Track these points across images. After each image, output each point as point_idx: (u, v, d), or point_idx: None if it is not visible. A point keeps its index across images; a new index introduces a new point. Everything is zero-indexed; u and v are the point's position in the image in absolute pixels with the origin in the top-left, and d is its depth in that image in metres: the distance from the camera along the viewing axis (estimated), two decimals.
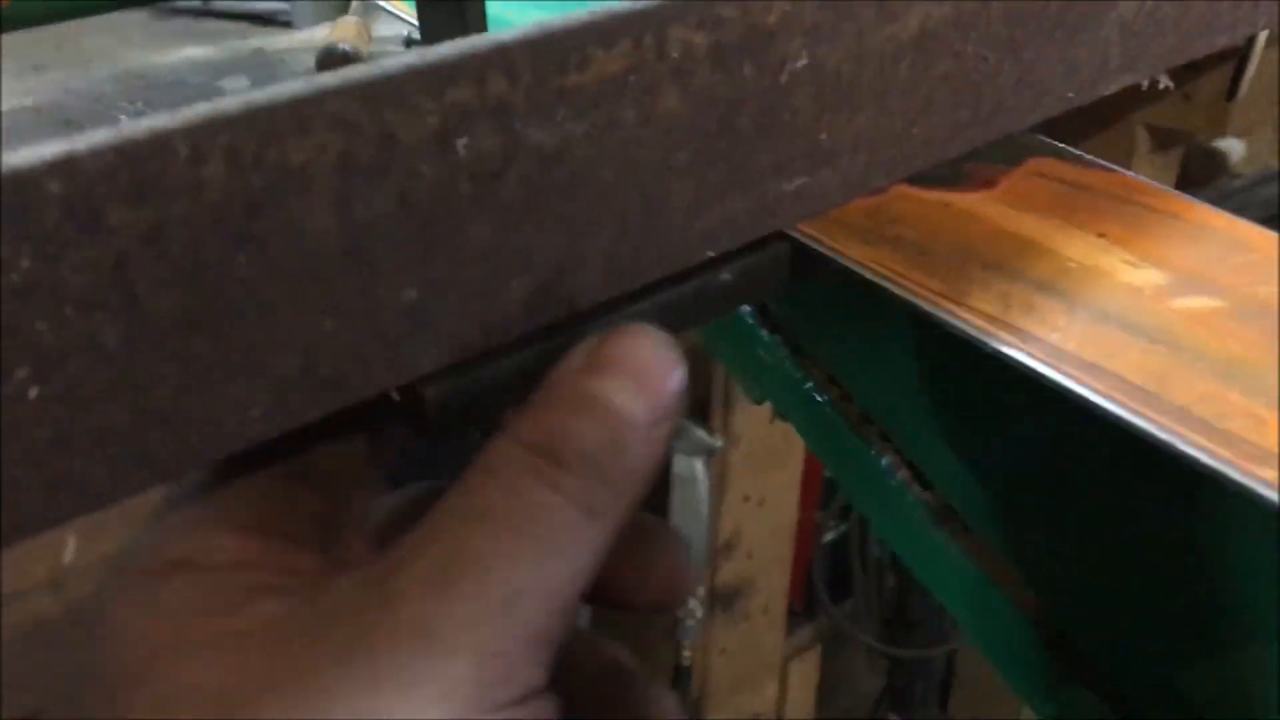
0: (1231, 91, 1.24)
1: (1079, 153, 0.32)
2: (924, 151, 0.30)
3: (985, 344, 0.25)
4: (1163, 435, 0.23)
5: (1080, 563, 0.37)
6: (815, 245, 0.28)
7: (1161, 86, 0.36)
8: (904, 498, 0.41)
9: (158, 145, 0.18)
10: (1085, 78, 0.33)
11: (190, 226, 0.19)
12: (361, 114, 0.20)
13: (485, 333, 0.23)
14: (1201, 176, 1.77)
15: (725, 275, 0.27)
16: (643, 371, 0.24)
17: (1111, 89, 0.34)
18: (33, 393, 0.18)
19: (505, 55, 0.21)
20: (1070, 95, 0.33)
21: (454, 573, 0.22)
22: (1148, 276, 0.27)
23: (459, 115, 0.21)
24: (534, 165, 0.22)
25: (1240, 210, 1.12)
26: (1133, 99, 1.29)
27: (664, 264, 0.26)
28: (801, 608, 1.22)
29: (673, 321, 0.27)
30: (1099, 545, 0.35)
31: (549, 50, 0.22)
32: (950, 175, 0.31)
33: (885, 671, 1.32)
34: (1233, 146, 1.67)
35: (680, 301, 0.27)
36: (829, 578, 1.18)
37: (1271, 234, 0.29)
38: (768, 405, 0.49)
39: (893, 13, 0.27)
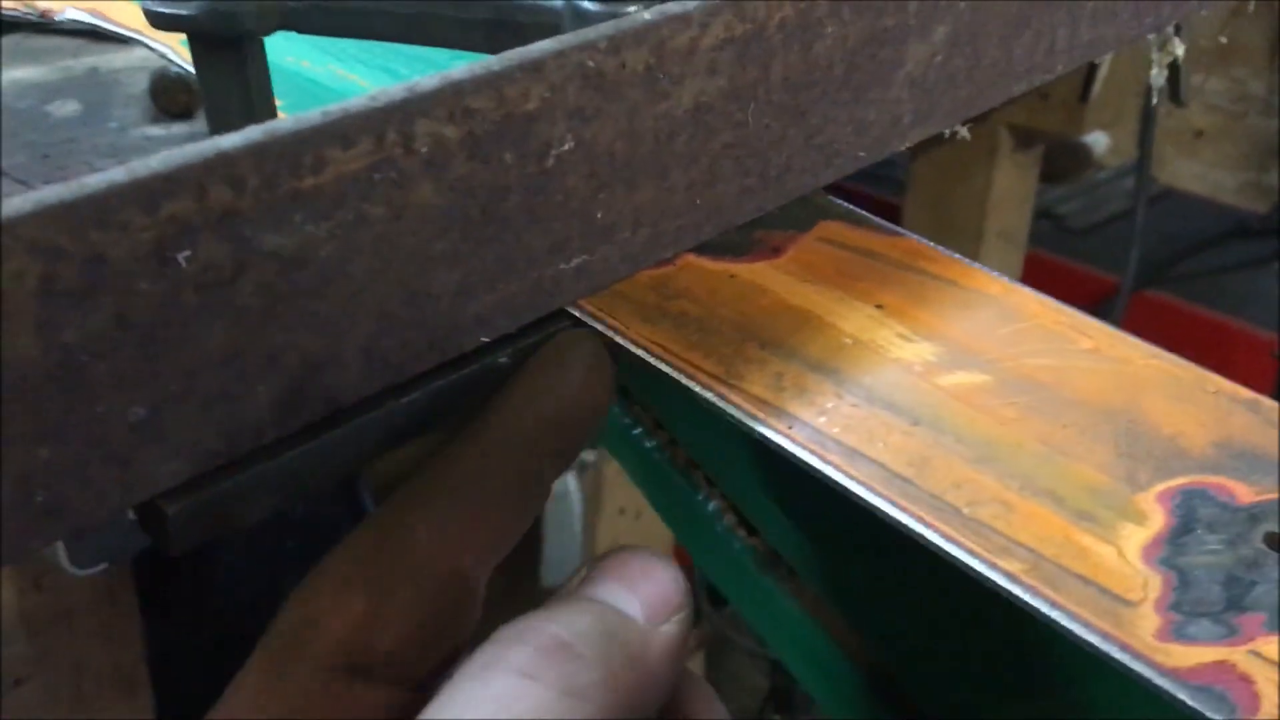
0: (1084, 94, 1.28)
1: (867, 215, 0.32)
2: (711, 220, 0.30)
3: (752, 430, 0.25)
4: (914, 526, 0.23)
5: (897, 610, 0.37)
6: (596, 324, 0.28)
7: (959, 137, 0.37)
8: (731, 543, 0.42)
9: None
10: (877, 136, 0.33)
11: None
12: (62, 237, 0.19)
13: (230, 441, 0.22)
14: (1064, 171, 1.81)
15: (503, 358, 0.27)
16: (631, 574, 0.24)
17: (907, 144, 0.35)
18: None
19: (227, 163, 0.20)
20: (862, 154, 0.33)
21: None
22: (919, 351, 0.27)
23: (178, 229, 0.20)
24: (271, 270, 0.22)
25: (1105, 202, 1.16)
26: None
27: (434, 353, 0.25)
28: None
29: (450, 409, 0.27)
30: (912, 595, 0.36)
31: (277, 155, 0.21)
32: (739, 243, 0.31)
33: (768, 673, 1.33)
34: (1098, 140, 1.72)
35: (456, 388, 0.26)
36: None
37: (1046, 300, 0.29)
38: None
39: (664, 91, 0.27)
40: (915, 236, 0.31)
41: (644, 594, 0.24)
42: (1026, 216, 1.47)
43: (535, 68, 0.24)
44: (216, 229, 0.21)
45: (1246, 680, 0.20)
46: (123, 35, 0.38)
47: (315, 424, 0.24)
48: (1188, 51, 1.57)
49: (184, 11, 0.31)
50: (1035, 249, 1.62)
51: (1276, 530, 0.23)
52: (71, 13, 0.40)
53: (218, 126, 0.33)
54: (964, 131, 0.36)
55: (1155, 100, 0.93)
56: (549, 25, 0.29)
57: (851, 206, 0.32)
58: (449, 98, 0.23)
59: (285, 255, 0.22)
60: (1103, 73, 1.24)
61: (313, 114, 0.21)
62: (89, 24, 0.39)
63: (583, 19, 0.28)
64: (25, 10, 0.41)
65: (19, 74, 0.84)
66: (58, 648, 0.66)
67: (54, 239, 0.19)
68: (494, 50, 0.30)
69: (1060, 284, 1.61)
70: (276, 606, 0.24)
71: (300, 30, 0.31)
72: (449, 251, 0.25)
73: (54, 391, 0.20)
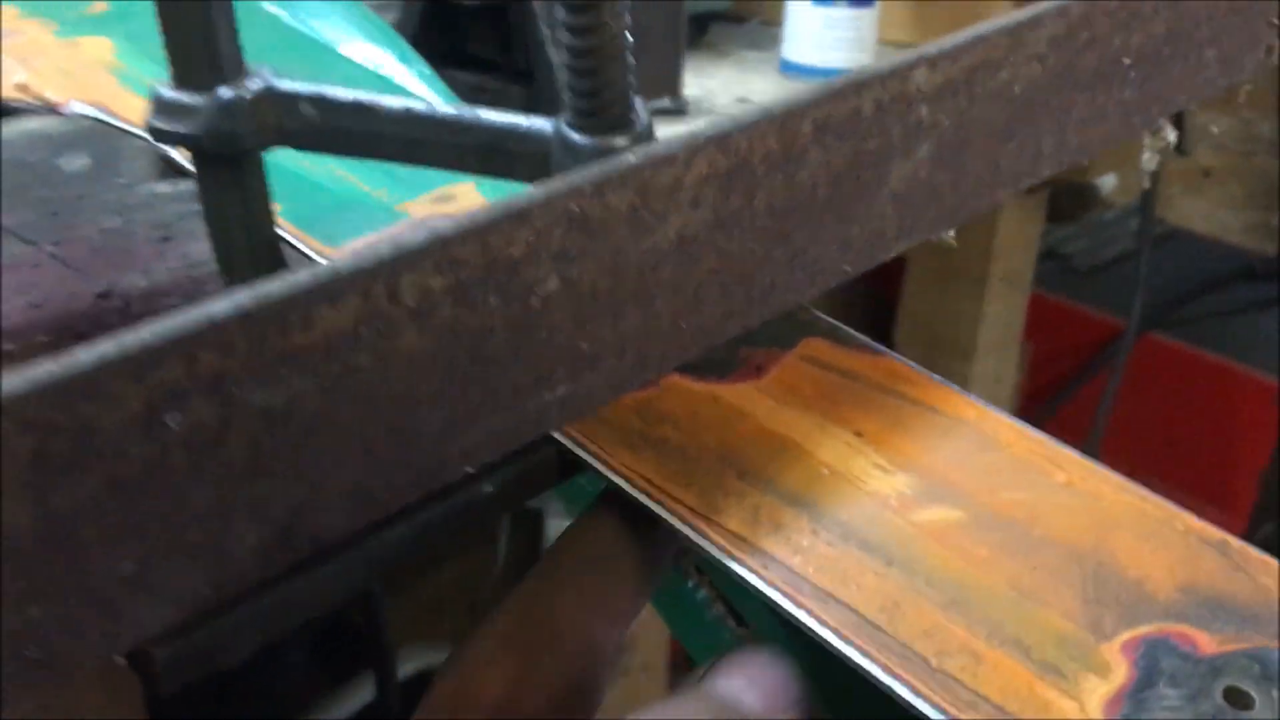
0: None
1: (850, 332, 0.33)
2: (695, 342, 0.30)
3: (730, 570, 0.26)
4: (883, 677, 0.23)
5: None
6: (580, 451, 0.28)
7: (944, 242, 0.38)
8: (720, 632, 0.42)
9: None
10: (862, 250, 0.34)
11: None
12: (54, 412, 0.19)
13: (216, 587, 0.23)
14: (1071, 211, 1.82)
15: (487, 487, 0.28)
16: (749, 669, 0.26)
17: (892, 255, 0.35)
18: None
19: (216, 331, 0.21)
20: (847, 268, 0.34)
21: None
22: (894, 484, 0.28)
23: (166, 394, 0.21)
24: (258, 425, 0.22)
25: (1111, 242, 1.16)
26: None
27: (418, 487, 0.26)
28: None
29: (437, 541, 0.27)
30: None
31: (265, 318, 0.22)
32: (723, 361, 0.31)
33: None
34: (1105, 181, 1.72)
35: (442, 520, 0.27)
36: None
37: (1020, 427, 0.30)
38: None
39: (648, 226, 0.28)
40: (896, 357, 0.32)
41: (762, 686, 0.26)
42: (1031, 260, 1.48)
43: (521, 216, 0.25)
44: (205, 391, 0.21)
45: None
46: (128, 130, 0.39)
47: (301, 562, 0.25)
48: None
49: (186, 130, 0.32)
50: (1040, 290, 1.62)
51: (1237, 685, 0.23)
52: (77, 106, 0.41)
53: (218, 235, 0.34)
54: (949, 237, 0.37)
55: (1156, 165, 0.93)
56: (539, 154, 0.30)
57: (835, 323, 0.33)
58: (435, 251, 0.24)
59: (273, 410, 0.22)
60: None
61: (302, 275, 0.22)
62: (94, 118, 0.40)
63: (571, 151, 0.29)
64: (32, 101, 0.42)
65: (31, 125, 0.85)
66: (58, 705, 0.66)
67: (47, 415, 0.19)
68: (487, 173, 0.31)
69: (1065, 327, 1.61)
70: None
71: (298, 148, 0.32)
72: (434, 392, 0.25)
73: (45, 554, 0.20)
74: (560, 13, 0.27)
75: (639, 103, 0.29)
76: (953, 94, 0.34)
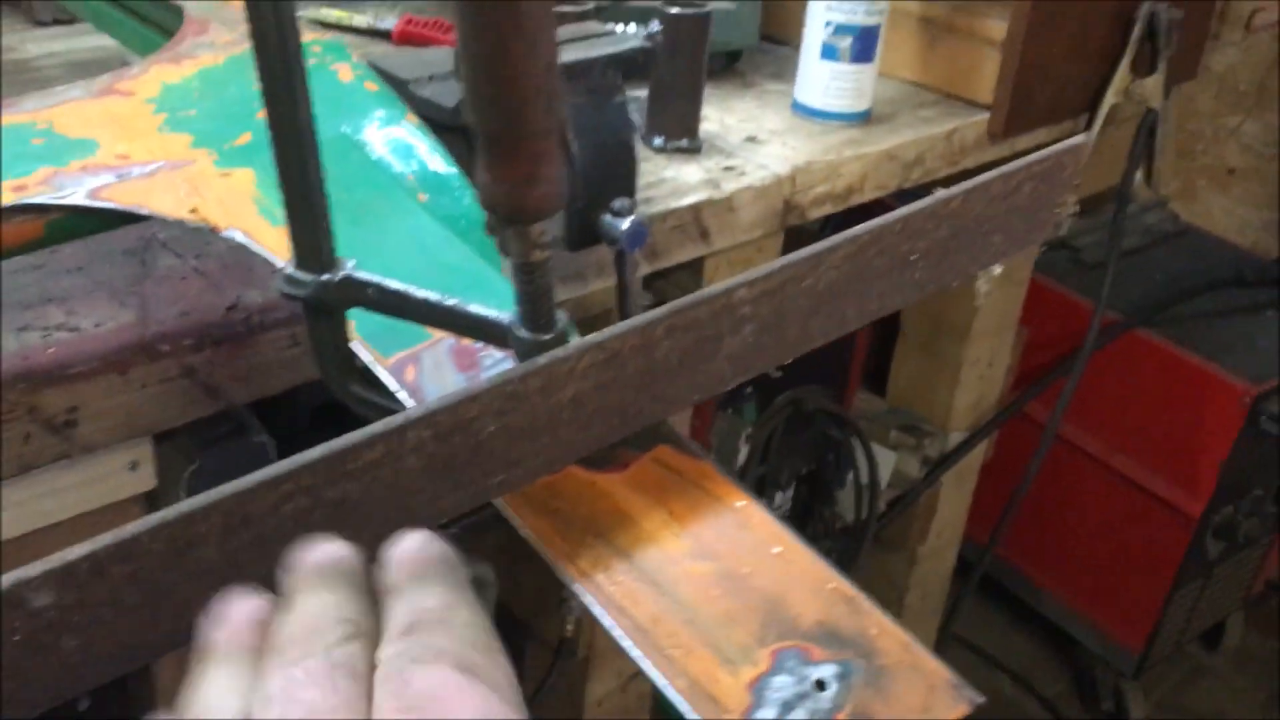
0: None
1: (688, 442, 0.54)
2: (587, 446, 0.52)
3: (578, 592, 0.48)
4: (639, 657, 0.45)
5: None
6: (507, 514, 0.50)
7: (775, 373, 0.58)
8: None
9: (69, 568, 0.40)
10: (705, 387, 0.55)
11: (105, 607, 0.41)
12: (220, 525, 0.42)
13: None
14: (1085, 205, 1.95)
15: (454, 530, 0.50)
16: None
17: (729, 389, 0.56)
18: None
19: (309, 471, 0.43)
20: (696, 397, 0.55)
21: None
22: (681, 545, 0.49)
23: (287, 499, 0.43)
24: (330, 509, 0.45)
25: (1115, 237, 1.33)
26: None
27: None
28: None
29: None
30: None
31: (334, 460, 0.44)
32: (605, 458, 0.53)
33: None
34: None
35: None
36: None
37: (766, 515, 0.51)
38: None
39: (552, 392, 0.49)
40: (710, 461, 0.53)
41: None
42: (1030, 259, 1.64)
43: (476, 397, 0.47)
44: (305, 494, 0.43)
45: None
46: (268, 259, 0.61)
47: None
48: (1224, 95, 1.74)
49: (300, 295, 0.54)
50: (1044, 278, 1.79)
51: (822, 678, 0.45)
52: (233, 233, 0.63)
53: (317, 351, 0.56)
54: (777, 372, 0.57)
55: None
56: (502, 335, 0.51)
57: (679, 435, 0.54)
58: (427, 417, 0.46)
59: (337, 500, 0.45)
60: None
61: (356, 434, 0.44)
62: (241, 243, 0.62)
63: (518, 339, 0.50)
64: (201, 224, 0.64)
65: None
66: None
67: (224, 522, 0.42)
68: (472, 338, 0.53)
69: (1062, 316, 1.78)
70: None
71: (367, 309, 0.54)
72: (424, 487, 0.47)
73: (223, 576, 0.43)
74: (510, 269, 0.48)
75: (559, 313, 0.50)
76: (768, 297, 0.54)
